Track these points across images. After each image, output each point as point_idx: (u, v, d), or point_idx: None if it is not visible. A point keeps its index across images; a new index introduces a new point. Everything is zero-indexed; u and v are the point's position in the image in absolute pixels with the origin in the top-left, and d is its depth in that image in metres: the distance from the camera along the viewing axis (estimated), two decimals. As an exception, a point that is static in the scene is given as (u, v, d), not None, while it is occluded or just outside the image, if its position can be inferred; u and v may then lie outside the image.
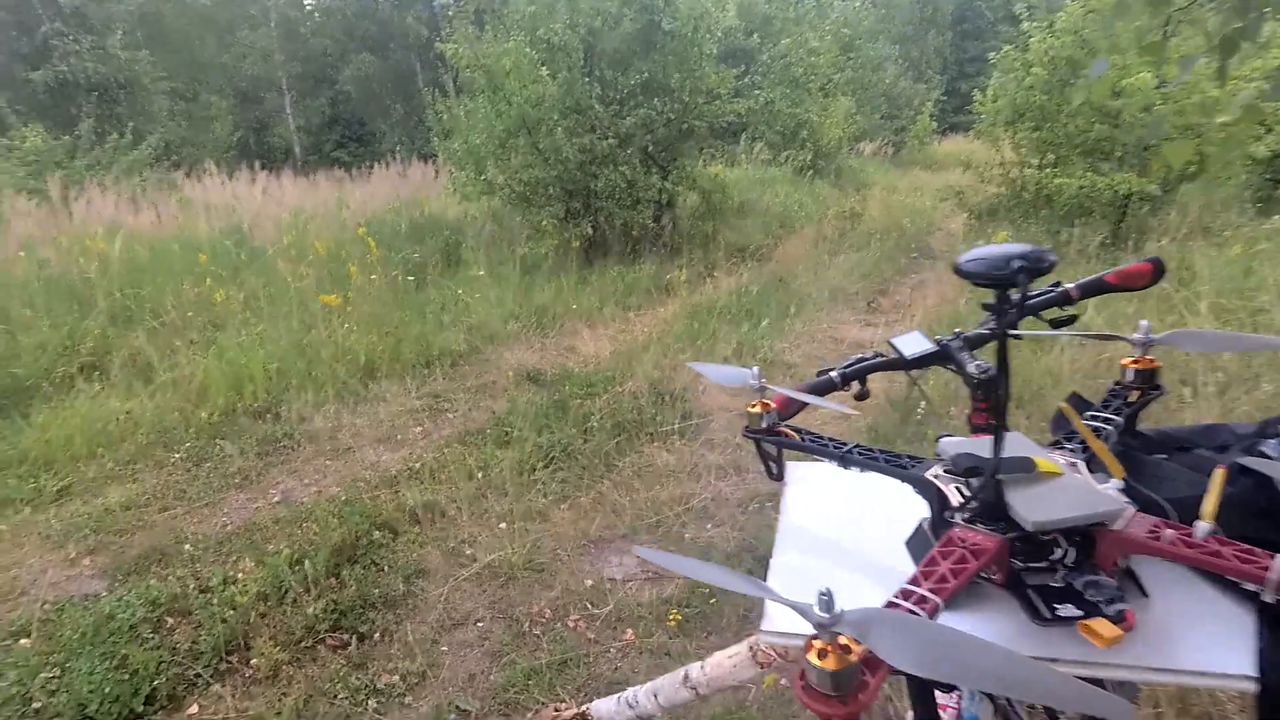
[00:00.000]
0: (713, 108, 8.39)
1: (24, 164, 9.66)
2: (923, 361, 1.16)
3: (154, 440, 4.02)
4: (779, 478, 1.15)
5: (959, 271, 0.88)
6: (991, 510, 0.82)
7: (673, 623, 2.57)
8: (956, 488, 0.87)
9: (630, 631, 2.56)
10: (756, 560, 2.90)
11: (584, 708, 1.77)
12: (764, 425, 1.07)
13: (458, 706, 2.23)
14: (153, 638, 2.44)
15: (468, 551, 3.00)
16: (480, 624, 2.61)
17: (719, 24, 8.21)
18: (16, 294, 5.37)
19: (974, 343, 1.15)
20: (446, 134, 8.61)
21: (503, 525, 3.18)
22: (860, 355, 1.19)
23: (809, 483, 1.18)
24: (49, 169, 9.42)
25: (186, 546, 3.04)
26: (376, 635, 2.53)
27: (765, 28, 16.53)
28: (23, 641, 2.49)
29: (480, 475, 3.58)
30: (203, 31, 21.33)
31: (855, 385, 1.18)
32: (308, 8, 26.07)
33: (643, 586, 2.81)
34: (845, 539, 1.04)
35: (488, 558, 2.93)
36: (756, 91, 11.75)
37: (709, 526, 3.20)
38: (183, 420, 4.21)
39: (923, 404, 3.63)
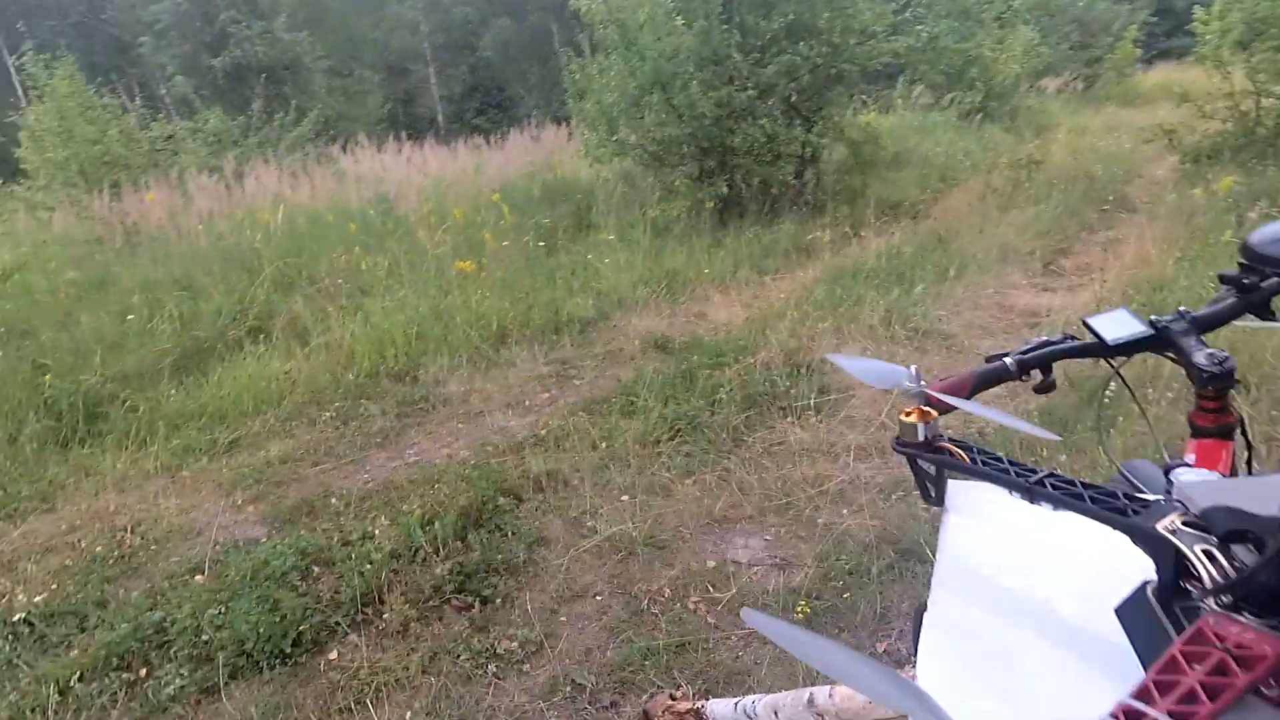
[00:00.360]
0: (866, 49, 7.65)
1: (206, 144, 10.63)
2: (1131, 348, 0.94)
3: (308, 399, 4.33)
4: (938, 502, 0.91)
5: (1255, 255, 0.66)
6: (1271, 596, 0.52)
7: (801, 615, 2.47)
8: (1205, 552, 0.57)
9: (753, 620, 2.50)
10: (899, 554, 2.71)
11: (699, 704, 1.73)
12: (922, 438, 0.85)
13: (573, 680, 2.27)
14: (301, 585, 2.65)
15: (589, 523, 3.04)
16: (599, 598, 2.64)
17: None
18: (199, 263, 5.93)
19: (1205, 324, 0.92)
20: (580, 95, 8.54)
21: (625, 498, 3.19)
22: (1045, 338, 0.98)
23: (978, 511, 0.89)
24: (226, 148, 10.32)
25: (333, 501, 3.27)
26: (498, 600, 2.61)
27: (930, -47, 15.22)
28: (197, 578, 2.79)
29: (604, 445, 3.61)
30: (356, 8, 22.53)
31: (1036, 374, 0.97)
32: (451, -24, 26.86)
33: (769, 573, 2.72)
34: (1028, 592, 0.77)
35: (609, 530, 2.95)
36: (919, 27, 10.83)
37: (845, 512, 3.01)
38: (333, 381, 4.51)
39: (1113, 384, 3.24)
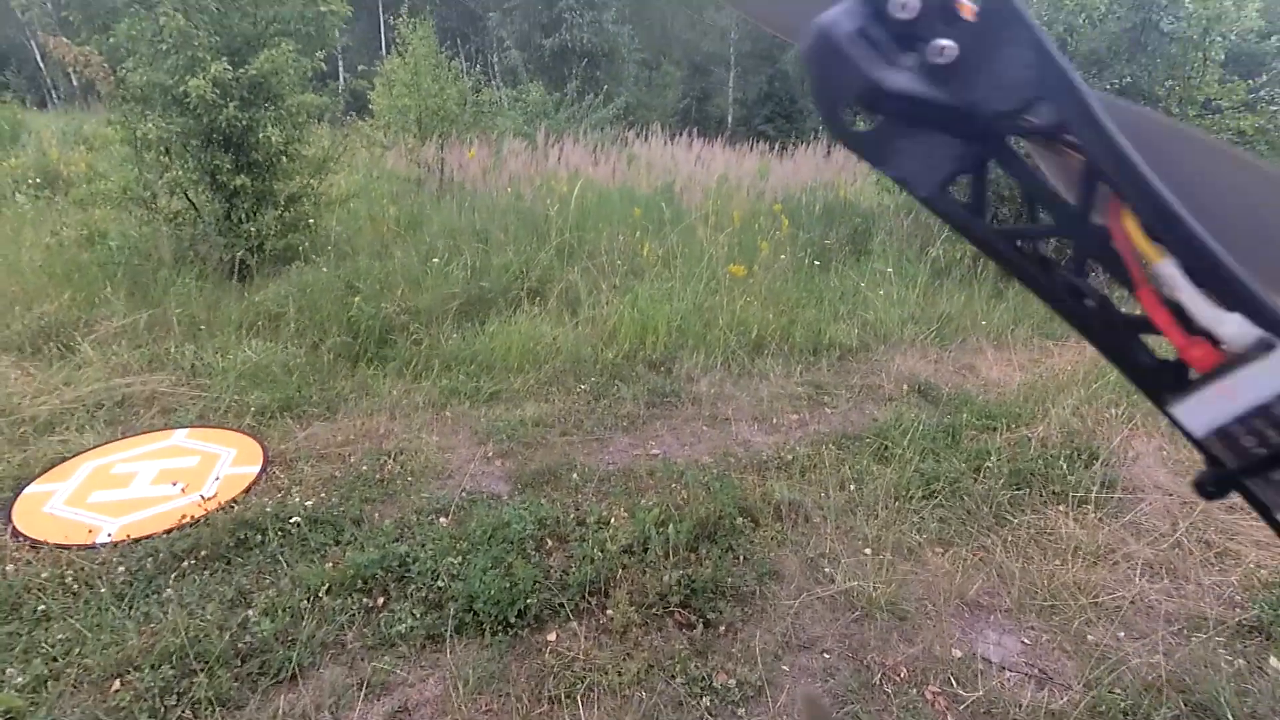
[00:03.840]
0: (1207, 122, 6.88)
1: (523, 113, 11.60)
2: None
3: (568, 369, 4.45)
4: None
5: None
6: None
7: (1062, 751, 2.08)
8: None
9: (1000, 735, 2.14)
10: (1191, 709, 2.24)
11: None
12: None
13: (790, 741, 2.06)
14: (534, 555, 2.66)
15: (826, 569, 2.78)
16: (826, 655, 2.39)
17: (1235, 26, 6.61)
18: (498, 220, 6.40)
19: None
20: (873, 119, 8.31)
21: (868, 551, 2.90)
22: None
23: None
24: (539, 119, 11.18)
25: (574, 475, 3.29)
26: (722, 628, 2.44)
27: (1292, 28, 13.01)
28: (442, 520, 2.90)
29: (852, 488, 3.32)
30: (675, 10, 23.69)
31: None
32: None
33: (1025, 684, 2.34)
34: None
35: (847, 583, 2.68)
36: (1274, 108, 9.42)
37: (1122, 636, 2.55)
38: (593, 356, 4.61)
39: None
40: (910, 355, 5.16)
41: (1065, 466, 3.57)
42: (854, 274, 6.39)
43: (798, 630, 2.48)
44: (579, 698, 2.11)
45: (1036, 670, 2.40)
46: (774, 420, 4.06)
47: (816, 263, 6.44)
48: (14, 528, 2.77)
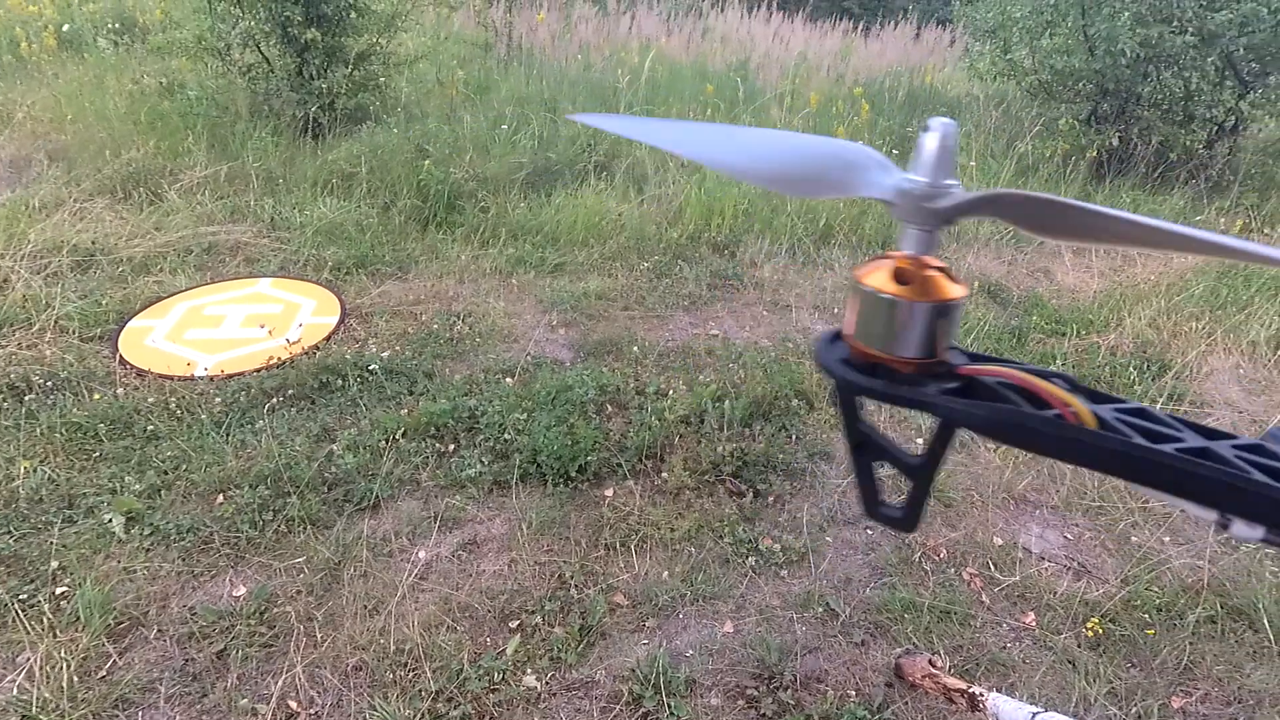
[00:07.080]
0: None
1: (595, -25, 11.03)
2: None
3: (631, 246, 4.45)
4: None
5: None
6: None
7: (1090, 633, 2.17)
8: None
9: (1032, 616, 2.24)
10: (1228, 612, 2.30)
11: (977, 690, 1.54)
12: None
13: (828, 603, 2.18)
14: (595, 419, 2.78)
15: (877, 453, 2.85)
16: (869, 532, 2.49)
17: None
18: (566, 90, 6.25)
19: None
20: (970, -1, 7.71)
21: (919, 440, 2.95)
22: None
23: None
24: (613, -19, 10.61)
25: (634, 348, 3.37)
26: (770, 498, 2.55)
27: None
28: (507, 380, 3.04)
29: (909, 380, 3.34)
30: None
31: None
32: None
33: (1061, 573, 2.42)
34: None
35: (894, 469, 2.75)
36: None
37: (1167, 540, 2.59)
38: (657, 234, 4.59)
39: None
40: (983, 255, 5.03)
41: (1133, 375, 3.53)
42: (933, 166, 6.13)
43: (843, 507, 2.58)
44: (633, 547, 2.26)
45: (1076, 563, 2.47)
46: (836, 310, 4.04)
47: (895, 152, 6.19)
48: (121, 356, 3.02)
